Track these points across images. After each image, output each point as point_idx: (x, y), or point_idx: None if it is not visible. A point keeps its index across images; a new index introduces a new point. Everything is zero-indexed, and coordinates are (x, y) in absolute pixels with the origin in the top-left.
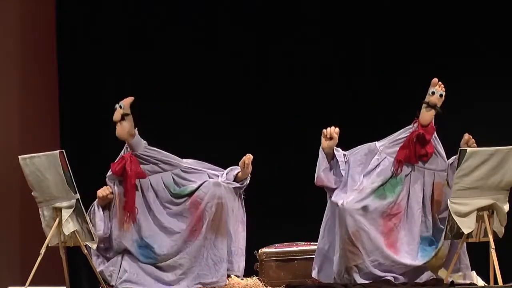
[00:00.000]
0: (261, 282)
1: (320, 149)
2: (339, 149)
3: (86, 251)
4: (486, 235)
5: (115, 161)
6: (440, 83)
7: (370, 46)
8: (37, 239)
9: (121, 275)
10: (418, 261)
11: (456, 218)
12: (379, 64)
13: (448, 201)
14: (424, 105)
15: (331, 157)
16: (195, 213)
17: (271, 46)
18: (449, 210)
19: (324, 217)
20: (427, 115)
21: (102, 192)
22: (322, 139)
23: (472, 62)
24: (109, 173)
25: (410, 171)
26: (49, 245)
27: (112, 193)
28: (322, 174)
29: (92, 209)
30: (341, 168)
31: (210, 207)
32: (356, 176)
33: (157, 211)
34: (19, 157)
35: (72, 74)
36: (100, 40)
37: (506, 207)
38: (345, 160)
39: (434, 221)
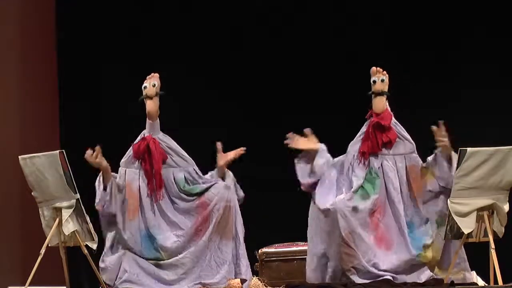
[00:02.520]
0: (261, 282)
1: (296, 160)
2: (324, 148)
3: (86, 251)
4: (486, 235)
5: (136, 142)
6: (379, 69)
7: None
8: (37, 239)
9: (121, 275)
10: (411, 252)
11: (456, 218)
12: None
13: (448, 201)
14: (372, 95)
15: (311, 157)
16: (202, 213)
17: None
18: (449, 210)
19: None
20: (377, 103)
21: (89, 157)
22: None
23: (473, 62)
24: (125, 158)
25: (381, 162)
26: (49, 245)
27: (97, 156)
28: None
29: (98, 179)
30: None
31: (217, 209)
32: (340, 184)
33: (163, 203)
34: (19, 157)
35: (72, 73)
36: (101, 39)
37: (506, 207)
38: (331, 161)
39: (413, 205)
